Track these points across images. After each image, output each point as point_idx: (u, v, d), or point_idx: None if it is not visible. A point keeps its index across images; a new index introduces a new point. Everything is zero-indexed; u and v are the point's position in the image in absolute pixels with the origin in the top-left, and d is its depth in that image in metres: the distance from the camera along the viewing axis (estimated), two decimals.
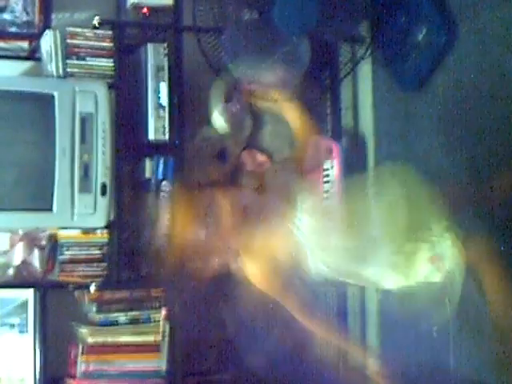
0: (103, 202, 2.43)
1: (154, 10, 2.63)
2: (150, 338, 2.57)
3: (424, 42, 2.46)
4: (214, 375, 2.74)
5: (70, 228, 2.49)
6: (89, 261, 2.54)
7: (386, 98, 2.72)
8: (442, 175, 2.42)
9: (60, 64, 2.47)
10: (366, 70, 2.81)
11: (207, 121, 2.73)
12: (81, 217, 2.40)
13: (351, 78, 2.77)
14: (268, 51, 2.47)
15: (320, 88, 2.66)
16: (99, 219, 2.44)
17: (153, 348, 2.58)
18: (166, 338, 2.58)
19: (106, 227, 2.50)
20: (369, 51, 2.50)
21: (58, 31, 2.49)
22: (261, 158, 2.82)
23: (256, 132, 2.82)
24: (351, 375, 2.42)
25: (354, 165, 2.72)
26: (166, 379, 2.58)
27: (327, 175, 2.70)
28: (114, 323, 2.56)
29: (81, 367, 2.51)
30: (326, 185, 2.70)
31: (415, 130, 2.60)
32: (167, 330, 2.58)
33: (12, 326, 2.45)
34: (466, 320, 2.20)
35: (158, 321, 2.59)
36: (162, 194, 2.60)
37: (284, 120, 2.81)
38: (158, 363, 2.58)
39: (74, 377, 2.51)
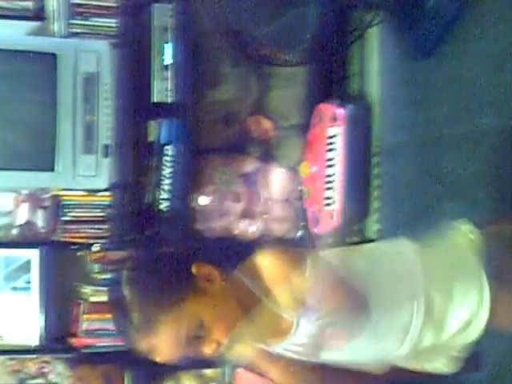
0: (106, 164, 2.41)
1: None
2: None
3: (434, 9, 2.39)
4: None
5: (72, 189, 2.49)
6: (92, 221, 2.55)
7: (393, 64, 2.65)
8: (445, 144, 2.38)
9: (64, 24, 2.45)
10: (373, 36, 2.73)
11: (214, 84, 2.70)
12: (83, 178, 2.38)
13: (359, 44, 2.70)
14: (277, 13, 2.43)
15: (328, 53, 2.60)
16: (101, 181, 2.42)
17: None
18: None
19: (109, 189, 2.49)
20: (378, 18, 2.44)
21: None
22: (266, 124, 2.77)
23: (262, 97, 2.78)
24: None
25: (359, 132, 2.67)
26: None
27: (332, 143, 2.65)
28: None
29: (83, 326, 2.54)
30: (330, 153, 2.64)
31: (421, 97, 2.53)
32: None
33: (15, 285, 2.47)
34: None
35: None
36: (165, 157, 2.58)
37: (291, 85, 2.77)
38: None
39: (76, 335, 2.55)
